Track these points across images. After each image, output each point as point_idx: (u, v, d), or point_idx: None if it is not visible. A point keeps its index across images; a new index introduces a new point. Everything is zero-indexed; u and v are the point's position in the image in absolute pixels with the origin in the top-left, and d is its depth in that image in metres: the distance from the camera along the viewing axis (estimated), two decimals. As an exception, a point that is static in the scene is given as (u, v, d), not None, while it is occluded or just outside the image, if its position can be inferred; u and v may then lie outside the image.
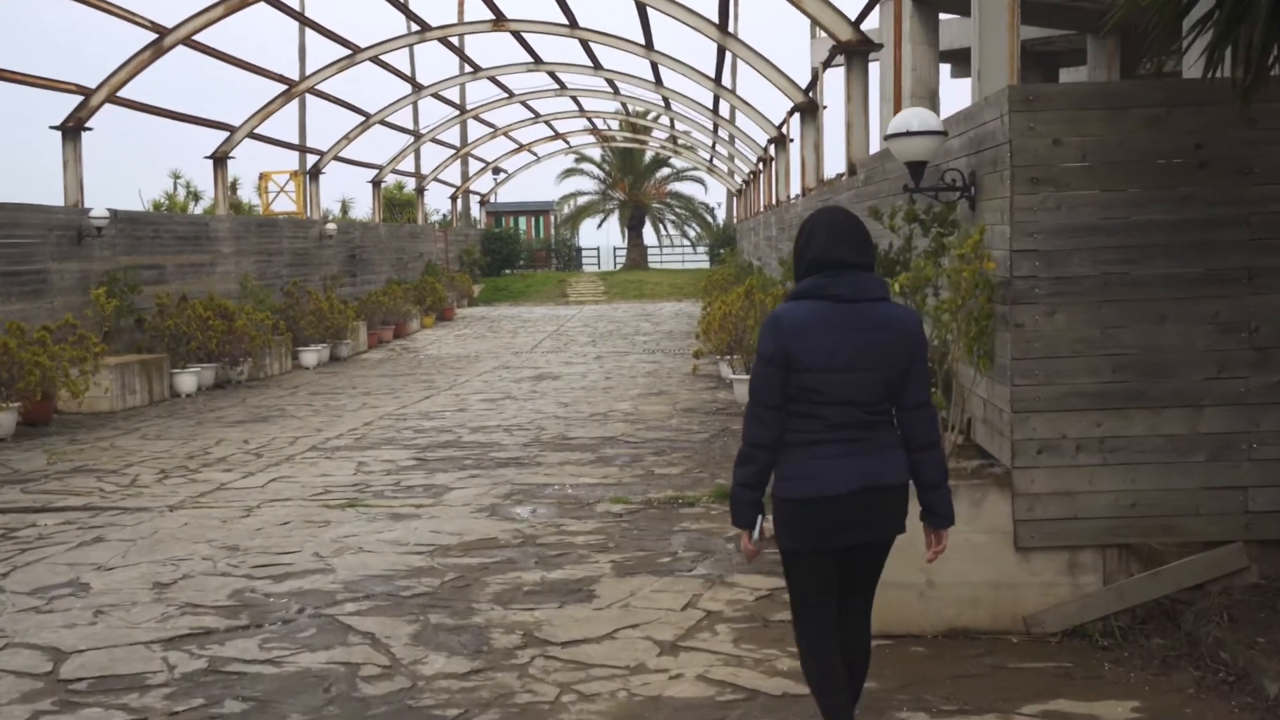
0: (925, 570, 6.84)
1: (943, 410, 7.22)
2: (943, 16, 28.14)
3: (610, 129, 51.70)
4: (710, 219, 62.45)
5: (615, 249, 64.72)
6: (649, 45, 25.79)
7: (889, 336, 4.67)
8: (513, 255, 55.15)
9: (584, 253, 63.68)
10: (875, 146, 23.38)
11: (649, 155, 59.60)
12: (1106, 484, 6.75)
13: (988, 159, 7.18)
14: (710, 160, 51.18)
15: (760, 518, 4.77)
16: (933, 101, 24.07)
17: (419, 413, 17.73)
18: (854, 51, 14.42)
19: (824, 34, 39.09)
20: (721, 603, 7.77)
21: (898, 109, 14.30)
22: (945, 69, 28.85)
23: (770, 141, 27.74)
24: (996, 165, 6.95)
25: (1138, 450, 6.72)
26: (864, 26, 14.67)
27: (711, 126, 38.38)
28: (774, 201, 27.67)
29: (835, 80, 24.15)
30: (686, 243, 64.10)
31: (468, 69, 32.42)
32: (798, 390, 4.62)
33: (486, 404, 18.69)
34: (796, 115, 20.82)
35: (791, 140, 26.75)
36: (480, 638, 7.18)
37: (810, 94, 20.47)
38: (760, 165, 35.30)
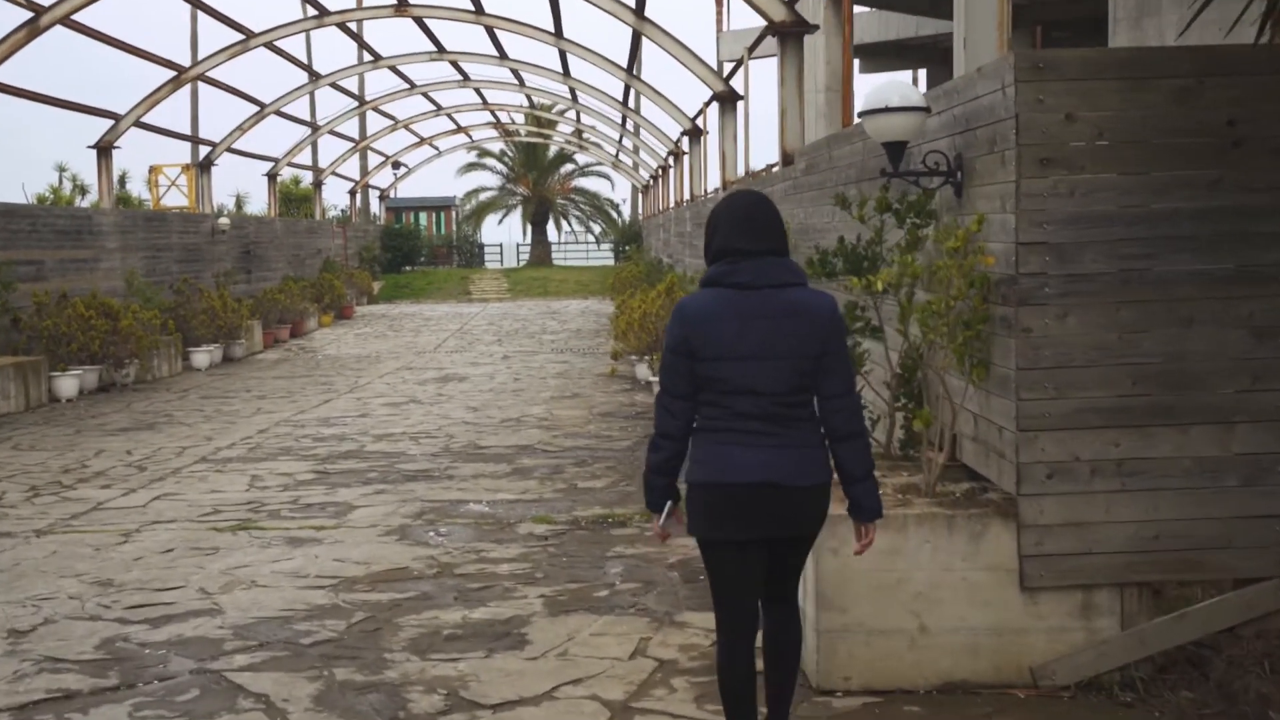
0: (916, 614, 5.89)
1: (918, 425, 6.27)
2: (856, 9, 27.39)
3: (514, 123, 50.56)
4: (615, 215, 61.51)
5: (519, 245, 63.55)
6: (559, 33, 24.72)
7: (799, 324, 4.56)
8: (414, 252, 53.80)
9: (486, 249, 62.45)
10: (810, 134, 22.54)
11: (553, 150, 58.56)
12: (1125, 513, 5.84)
13: (982, 138, 6.24)
14: (616, 155, 50.21)
15: (670, 503, 4.74)
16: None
17: (318, 419, 16.54)
18: (787, 33, 13.49)
19: (733, 27, 38.31)
20: (674, 649, 6.75)
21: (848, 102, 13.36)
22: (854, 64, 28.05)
23: (684, 135, 26.80)
24: (995, 145, 6.01)
25: (1161, 474, 5.82)
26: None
27: (620, 119, 37.37)
28: (689, 196, 26.72)
29: (754, 71, 23.24)
30: (591, 239, 63.10)
31: (367, 57, 31.13)
32: (703, 380, 4.57)
33: (390, 409, 17.56)
34: (714, 106, 19.85)
35: (706, 133, 25.82)
36: (395, 699, 6.10)
37: (729, 83, 19.53)
38: (670, 160, 34.37)
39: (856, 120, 8.70)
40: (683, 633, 7.02)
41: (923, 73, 42.63)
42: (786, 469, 4.58)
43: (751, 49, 17.40)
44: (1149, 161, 5.75)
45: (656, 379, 16.77)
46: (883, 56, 35.73)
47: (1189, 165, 5.73)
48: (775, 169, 15.16)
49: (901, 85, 6.62)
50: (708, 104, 22.90)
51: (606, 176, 60.96)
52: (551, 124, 49.98)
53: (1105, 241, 5.77)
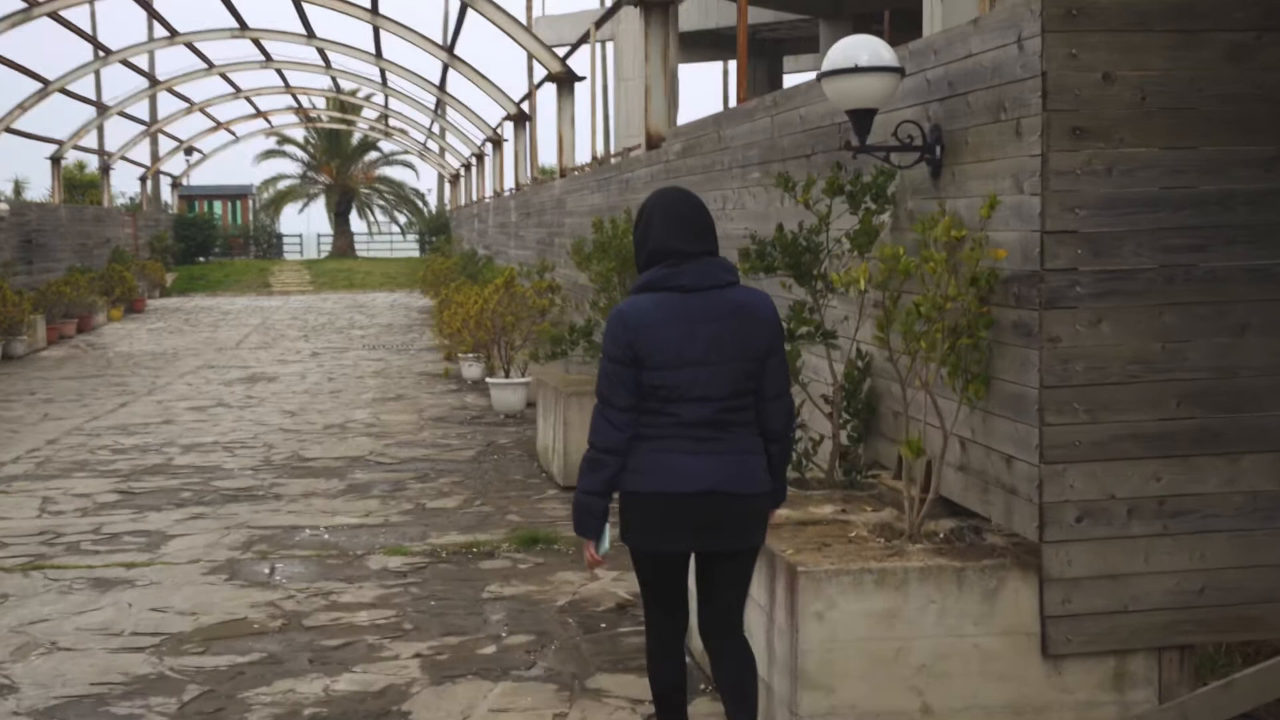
0: (919, 691, 4.75)
1: (907, 455, 5.13)
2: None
3: (316, 108, 48.45)
4: (422, 205, 59.63)
5: (320, 236, 61.22)
6: (374, 8, 23.11)
7: (744, 325, 4.44)
8: (208, 242, 51.20)
9: (286, 240, 59.97)
10: (640, 121, 21.38)
11: (357, 137, 56.47)
12: (1167, 561, 4.81)
13: (979, 105, 5.13)
14: (424, 143, 48.46)
15: (608, 525, 4.55)
16: (672, 82, 22.31)
17: (116, 425, 14.80)
18: (652, 4, 12.29)
19: (548, 11, 36.93)
20: (599, 730, 5.50)
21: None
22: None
23: (506, 120, 25.42)
24: (1005, 112, 4.91)
25: (1208, 514, 4.81)
26: None
27: (434, 104, 35.75)
28: (514, 185, 25.34)
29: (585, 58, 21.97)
30: (396, 230, 61.13)
31: (161, 32, 28.94)
32: (648, 388, 4.37)
33: (197, 414, 15.90)
34: (550, 88, 18.58)
35: (528, 120, 24.50)
36: (257, 819, 4.71)
37: (567, 63, 18.27)
38: (487, 148, 32.94)
39: (811, 89, 7.54)
40: (603, 707, 5.77)
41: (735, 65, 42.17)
42: (732, 476, 4.44)
43: (601, 21, 16.14)
44: (1198, 133, 4.71)
45: (496, 380, 15.55)
46: (698, 46, 34.87)
47: (1244, 139, 4.72)
48: (635, 153, 13.97)
49: (870, 42, 5.47)
50: (539, 85, 21.58)
51: (412, 166, 59.02)
52: (356, 109, 48.03)
53: (1147, 231, 4.72)
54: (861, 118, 5.50)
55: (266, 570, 8.31)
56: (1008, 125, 4.91)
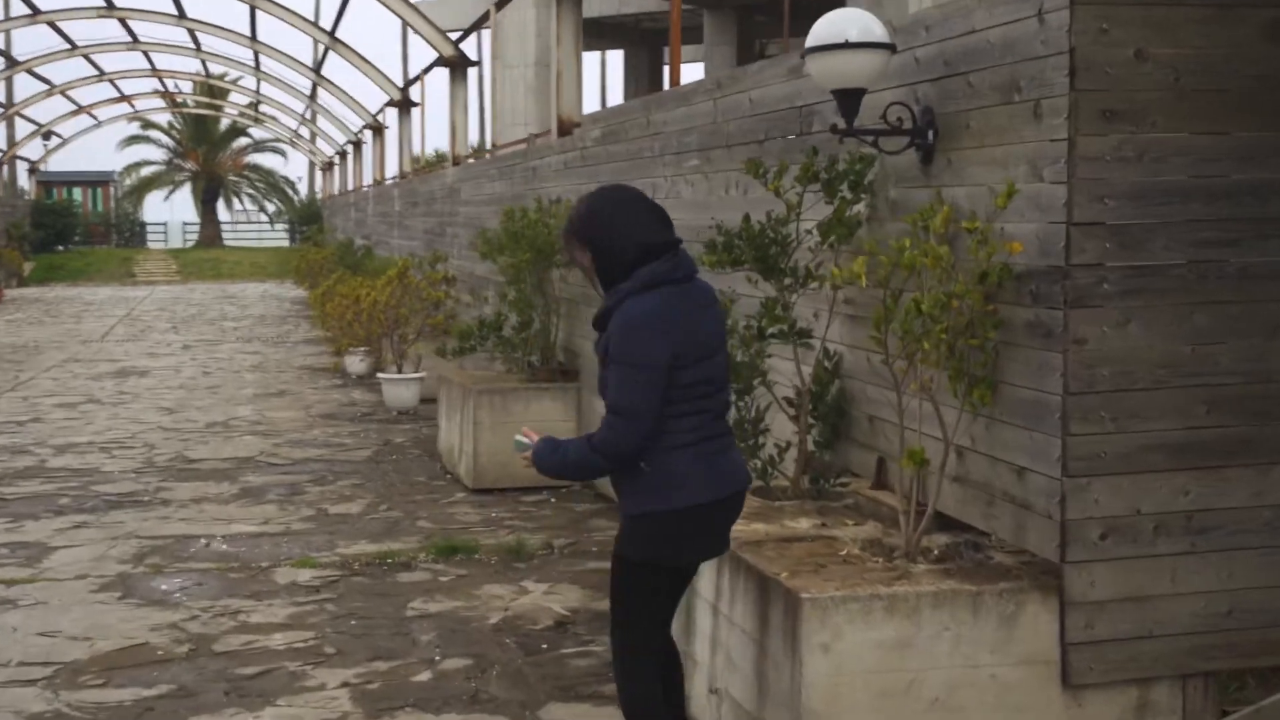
0: (931, 729, 4.31)
1: (908, 468, 4.69)
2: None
3: (183, 93, 46.97)
4: (293, 194, 58.18)
5: (185, 224, 59.46)
6: (252, -13, 22.22)
7: (719, 312, 4.44)
8: (68, 230, 49.37)
9: (150, 228, 58.18)
10: (519, 114, 20.82)
11: (225, 123, 54.88)
12: (1194, 581, 4.44)
13: (984, 85, 4.72)
14: (296, 130, 47.19)
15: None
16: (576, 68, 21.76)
17: (-21, 425, 13.89)
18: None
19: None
20: (563, 770, 4.98)
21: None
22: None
23: (391, 105, 24.63)
24: (1020, 92, 4.50)
25: (1237, 529, 4.45)
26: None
27: (309, 89, 34.71)
28: (397, 173, 24.56)
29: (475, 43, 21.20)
30: (265, 219, 59.58)
31: (21, 9, 27.58)
32: (685, 387, 4.14)
33: (67, 411, 15.06)
34: (441, 72, 17.90)
35: (416, 105, 23.76)
36: None
37: (460, 47, 17.62)
38: (365, 135, 32.03)
39: (757, 75, 7.02)
40: (565, 742, 5.25)
41: (618, 54, 41.66)
42: (743, 469, 4.42)
43: (502, 3, 15.51)
44: (1232, 117, 4.34)
45: (383, 374, 14.86)
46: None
47: (1280, 124, 4.35)
48: (540, 139, 13.41)
49: (859, 16, 5.02)
50: (428, 70, 20.85)
51: (283, 153, 57.51)
52: (225, 94, 46.61)
53: (1178, 224, 4.33)
54: (849, 98, 5.05)
55: (164, 587, 7.63)
56: (1023, 107, 4.49)
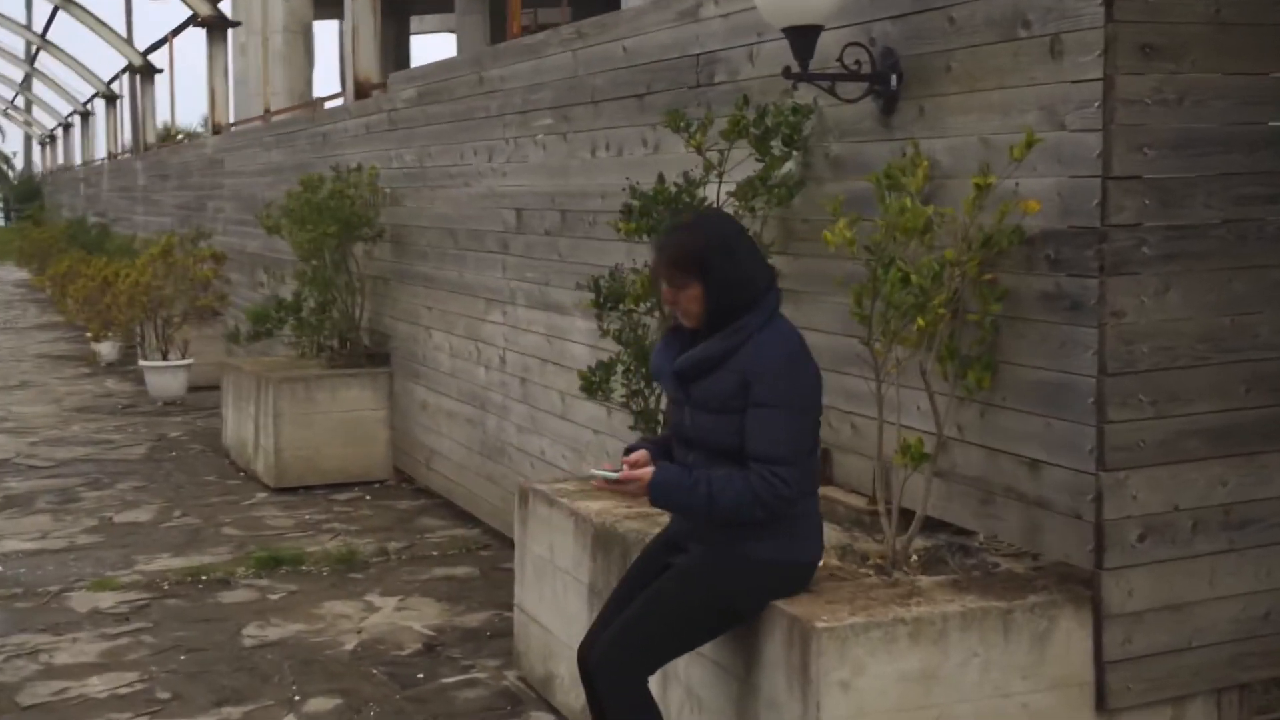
0: (960, 770, 3.68)
1: (902, 462, 4.04)
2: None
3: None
4: (7, 169, 54.44)
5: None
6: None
7: None
8: None
9: None
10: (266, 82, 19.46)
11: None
12: (1233, 583, 3.94)
13: (980, 19, 4.10)
14: (12, 100, 44.00)
15: None
16: (307, 37, 20.53)
17: None
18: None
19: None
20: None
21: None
22: None
23: (129, 72, 22.85)
24: (1031, 26, 3.90)
25: (1275, 523, 3.94)
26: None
27: (27, 52, 32.17)
28: (139, 145, 22.81)
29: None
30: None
31: None
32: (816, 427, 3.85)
33: None
34: (197, 34, 16.50)
35: (160, 71, 22.10)
36: None
37: (218, 7, 16.26)
38: (96, 104, 29.87)
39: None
40: (490, 801, 4.44)
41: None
42: None
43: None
44: (1271, 54, 3.80)
45: (145, 362, 13.51)
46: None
47: (1319, 63, 3.84)
48: (335, 103, 12.34)
49: (815, -59, 4.32)
50: (179, 30, 19.29)
51: (-4, 127, 53.77)
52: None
53: (1217, 176, 3.79)
54: (803, 36, 4.35)
55: (-61, 623, 6.47)
56: (1033, 44, 3.87)
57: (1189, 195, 3.75)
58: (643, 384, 5.19)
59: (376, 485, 9.55)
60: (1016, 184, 3.86)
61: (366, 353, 9.91)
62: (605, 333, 5.18)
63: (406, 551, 7.74)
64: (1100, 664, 3.80)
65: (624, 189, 5.91)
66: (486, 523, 8.09)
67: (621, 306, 4.98)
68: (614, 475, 3.76)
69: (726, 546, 3.77)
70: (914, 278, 3.98)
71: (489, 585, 7.01)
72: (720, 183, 5.02)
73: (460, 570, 7.32)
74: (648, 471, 3.75)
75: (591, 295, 5.10)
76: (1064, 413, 3.82)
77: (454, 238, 8.37)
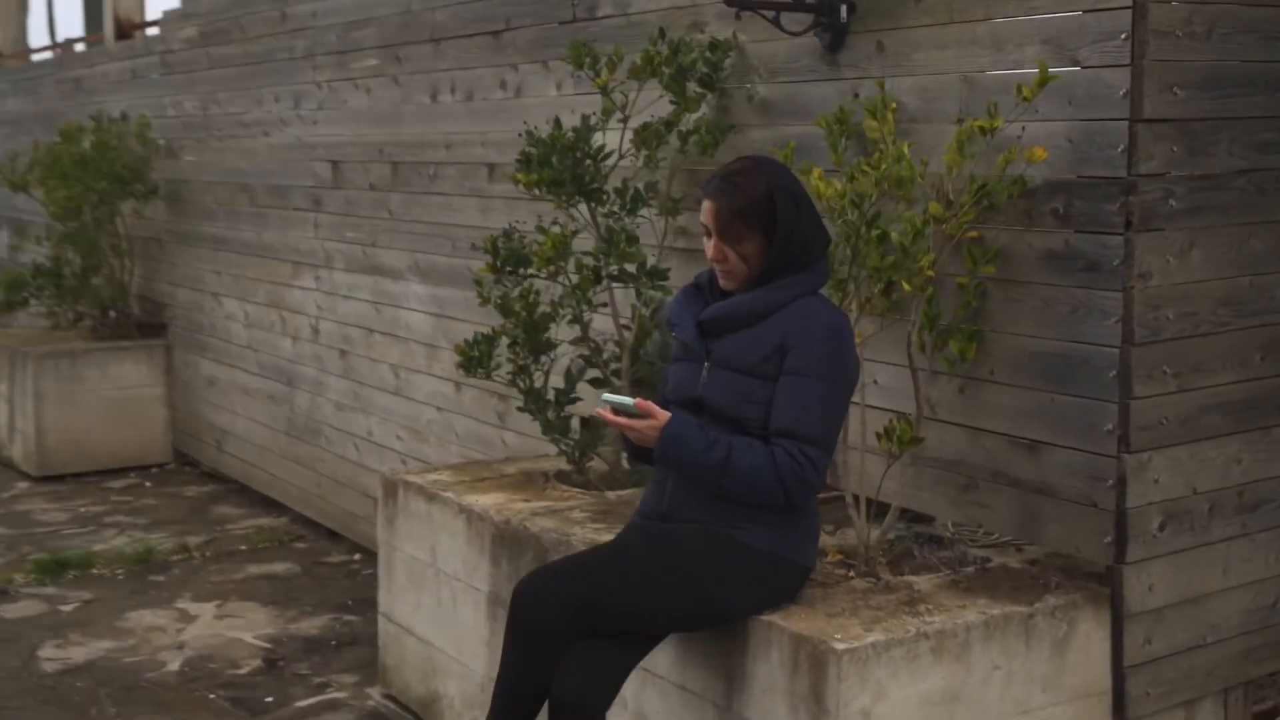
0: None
1: (892, 447, 3.55)
2: None
3: None
4: None
5: None
6: None
7: None
8: None
9: None
10: None
11: None
12: (1244, 570, 3.60)
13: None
14: None
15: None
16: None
17: None
18: None
19: None
20: None
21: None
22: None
23: None
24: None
25: (1282, 502, 3.61)
26: None
27: None
28: None
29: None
30: None
31: None
32: None
33: None
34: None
35: None
36: None
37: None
38: None
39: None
40: None
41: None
42: None
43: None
44: (1290, -15, 3.43)
45: None
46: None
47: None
48: (84, 45, 11.11)
49: None
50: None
51: None
52: None
53: (1240, 120, 3.39)
54: (746, -44, 3.78)
55: None
56: (1039, -37, 3.39)
57: (1214, 141, 3.34)
58: (530, 359, 4.54)
59: (155, 470, 8.61)
60: (1023, 128, 3.36)
61: (137, 323, 8.91)
62: (485, 300, 4.51)
63: (210, 547, 6.89)
64: (1120, 669, 3.39)
65: (484, 140, 5.29)
66: (296, 510, 7.30)
67: (522, 272, 4.32)
68: (629, 403, 3.16)
69: (721, 527, 3.20)
70: (894, 236, 3.48)
71: (316, 584, 6.27)
72: (624, 129, 4.41)
73: (279, 567, 6.53)
74: (664, 414, 3.17)
75: (486, 258, 4.42)
76: (1074, 388, 3.37)
77: (250, 194, 7.50)
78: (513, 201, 5.26)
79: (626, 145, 4.40)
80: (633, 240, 4.21)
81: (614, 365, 4.56)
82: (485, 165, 5.54)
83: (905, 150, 3.38)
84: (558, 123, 4.42)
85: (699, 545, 3.19)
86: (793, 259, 3.22)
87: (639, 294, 4.37)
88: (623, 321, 4.44)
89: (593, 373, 4.56)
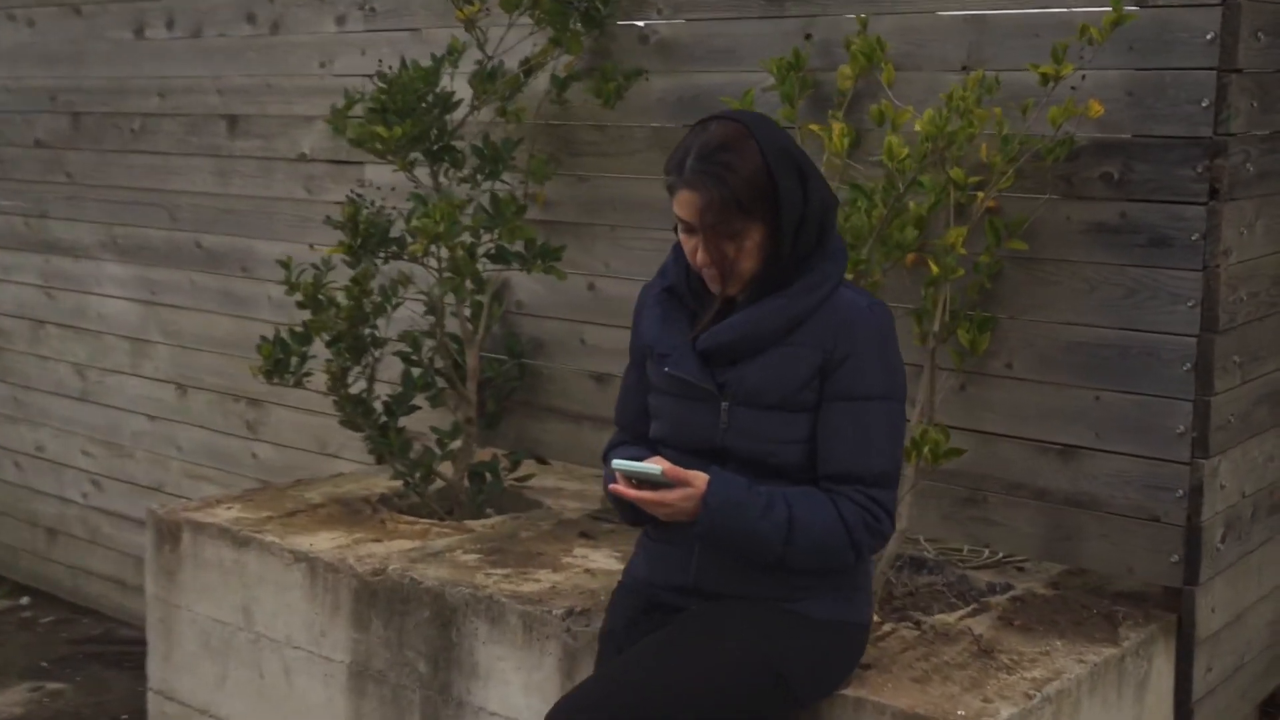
0: None
1: (913, 461, 2.95)
2: None
3: None
4: None
5: None
6: None
7: None
8: None
9: None
10: None
11: None
12: (1272, 576, 3.24)
13: None
14: None
15: None
16: None
17: None
18: None
19: None
20: None
21: None
22: None
23: None
24: None
25: (1299, 498, 3.29)
26: None
27: None
28: None
29: None
30: None
31: None
32: None
33: None
34: None
35: None
36: None
37: None
38: None
39: None
40: None
41: None
42: None
43: None
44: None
45: None
46: None
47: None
48: None
49: None
50: None
51: None
52: None
53: (1293, 73, 2.99)
54: None
55: None
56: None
57: (1279, 96, 2.92)
58: (350, 361, 3.63)
59: None
60: (1083, 76, 2.82)
61: None
62: (294, 287, 3.55)
63: None
64: (1186, 706, 2.94)
65: (221, 87, 4.30)
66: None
67: (384, 252, 3.39)
68: (655, 471, 2.33)
69: (774, 600, 2.47)
70: (914, 207, 2.88)
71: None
72: (503, 73, 3.56)
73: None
74: (702, 477, 2.36)
75: (341, 235, 3.45)
76: (1129, 383, 2.89)
77: None
78: (270, 164, 4.30)
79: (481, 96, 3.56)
80: (521, 210, 3.38)
81: (439, 364, 3.73)
82: (224, 118, 4.50)
83: (971, 97, 2.75)
84: (402, 62, 3.51)
85: (754, 631, 2.44)
86: (801, 248, 2.42)
87: (442, 281, 3.49)
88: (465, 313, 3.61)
89: (418, 372, 3.70)
